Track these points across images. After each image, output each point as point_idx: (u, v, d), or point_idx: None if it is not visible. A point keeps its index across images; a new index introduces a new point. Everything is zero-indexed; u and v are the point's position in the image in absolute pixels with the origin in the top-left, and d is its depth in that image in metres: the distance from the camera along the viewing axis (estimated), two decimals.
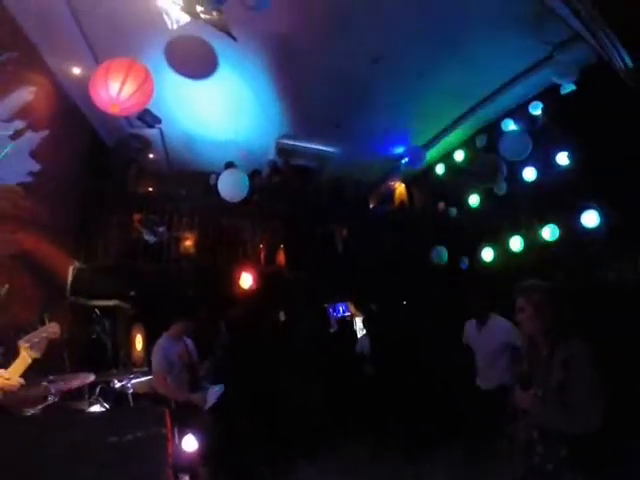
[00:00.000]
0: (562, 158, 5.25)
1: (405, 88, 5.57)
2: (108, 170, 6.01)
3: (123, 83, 3.45)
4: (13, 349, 2.15)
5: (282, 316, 6.04)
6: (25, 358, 1.90)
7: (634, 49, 2.64)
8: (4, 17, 3.58)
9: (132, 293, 5.56)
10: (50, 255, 4.70)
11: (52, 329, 2.10)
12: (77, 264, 5.24)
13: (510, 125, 5.97)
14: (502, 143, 5.10)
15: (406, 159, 7.47)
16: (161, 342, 3.66)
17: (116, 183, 6.05)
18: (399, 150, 7.53)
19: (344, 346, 5.81)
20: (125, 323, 5.83)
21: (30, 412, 2.77)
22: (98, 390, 3.75)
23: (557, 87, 5.18)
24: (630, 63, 2.72)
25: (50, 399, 2.99)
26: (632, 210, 4.19)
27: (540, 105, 5.66)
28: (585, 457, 1.82)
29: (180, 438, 3.09)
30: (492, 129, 6.38)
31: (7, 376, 1.82)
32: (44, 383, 3.02)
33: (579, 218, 4.82)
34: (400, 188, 9.36)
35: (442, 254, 6.75)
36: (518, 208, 5.94)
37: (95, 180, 5.69)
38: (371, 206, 9.54)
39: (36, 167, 4.13)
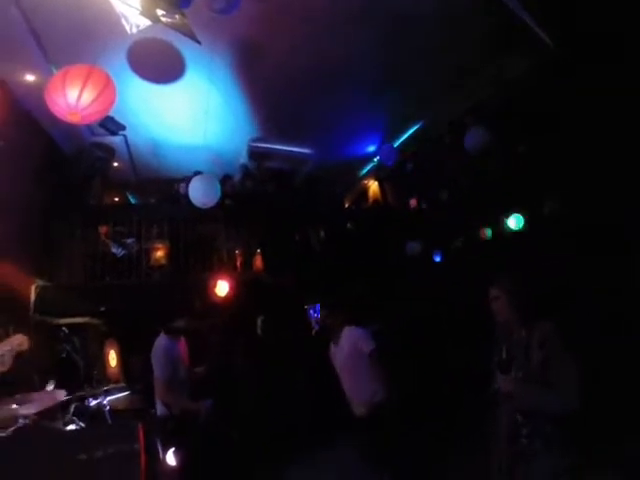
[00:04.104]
0: (522, 149, 5.35)
1: (375, 87, 5.54)
2: (70, 181, 5.70)
3: (82, 90, 3.25)
4: None
5: (260, 322, 5.92)
6: None
7: None
8: None
9: (102, 309, 5.32)
10: (9, 274, 4.42)
11: (18, 341, 1.89)
12: (40, 282, 4.96)
13: (472, 120, 6.04)
14: (466, 139, 5.21)
15: (378, 157, 7.51)
16: (162, 343, 3.37)
17: (79, 195, 5.76)
18: (371, 149, 7.53)
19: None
20: (97, 340, 5.57)
21: (1, 434, 2.58)
22: (72, 409, 3.51)
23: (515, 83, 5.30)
24: None
25: (21, 421, 2.80)
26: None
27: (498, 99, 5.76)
28: (571, 433, 1.90)
29: (164, 452, 2.95)
30: (457, 126, 6.46)
31: None
32: (14, 405, 2.85)
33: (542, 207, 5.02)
34: (374, 186, 9.40)
35: (415, 248, 6.87)
36: (484, 200, 6.09)
37: (56, 193, 5.40)
38: (346, 205, 9.55)
39: None
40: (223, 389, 4.07)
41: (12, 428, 2.67)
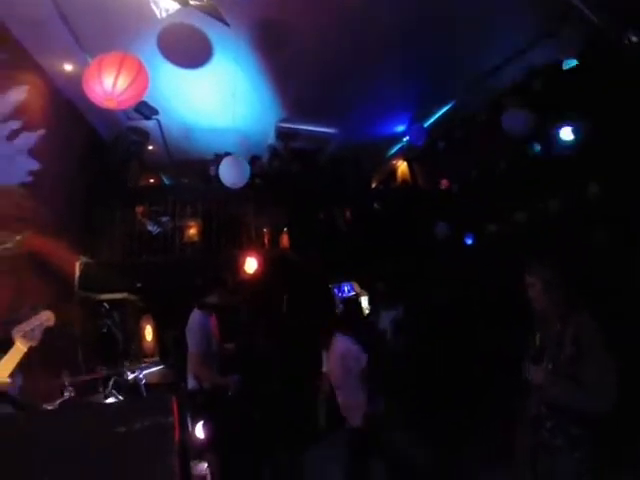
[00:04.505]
0: (566, 133, 5.12)
1: (403, 66, 5.45)
2: (109, 165, 6.02)
3: (117, 77, 3.40)
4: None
5: (286, 299, 6.11)
6: (19, 348, 1.88)
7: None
8: None
9: (139, 285, 5.63)
10: (56, 253, 4.77)
11: (45, 316, 2.04)
12: (83, 259, 5.32)
13: (512, 101, 5.84)
14: (505, 120, 5.04)
15: (407, 137, 7.39)
16: (196, 317, 3.49)
17: (117, 177, 6.07)
18: (400, 128, 7.43)
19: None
20: (134, 315, 5.90)
21: (48, 407, 2.79)
22: (112, 383, 3.69)
23: (559, 62, 5.09)
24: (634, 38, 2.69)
25: (67, 394, 3.05)
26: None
27: (541, 80, 5.54)
28: (595, 435, 1.82)
29: (193, 425, 3.00)
30: (494, 106, 6.24)
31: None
32: (62, 379, 3.08)
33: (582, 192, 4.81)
34: (402, 166, 9.29)
35: (445, 230, 6.78)
36: (521, 183, 5.90)
37: (96, 176, 5.72)
38: (373, 185, 9.51)
39: (36, 166, 4.16)
40: (248, 367, 4.12)
41: (58, 401, 2.93)
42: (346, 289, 7.98)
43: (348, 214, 7.37)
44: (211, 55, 4.79)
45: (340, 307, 6.96)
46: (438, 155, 7.77)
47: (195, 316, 3.50)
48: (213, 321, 3.63)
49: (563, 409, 1.85)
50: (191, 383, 3.47)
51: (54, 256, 4.73)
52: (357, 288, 7.95)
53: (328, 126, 6.95)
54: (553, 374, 1.89)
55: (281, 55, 5.06)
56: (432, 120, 7.19)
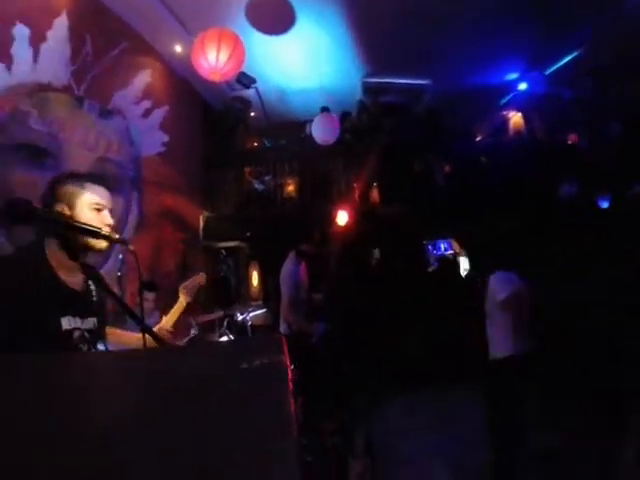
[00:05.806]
0: None
1: (517, 8, 4.95)
2: (220, 132, 6.94)
3: (218, 51, 3.90)
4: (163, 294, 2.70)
5: (377, 253, 6.35)
6: (182, 302, 2.08)
7: None
8: (108, 14, 4.30)
9: (248, 234, 6.52)
10: (185, 209, 5.83)
11: (201, 278, 2.20)
12: (206, 213, 6.37)
13: None
14: None
15: (523, 85, 6.84)
16: (289, 265, 3.68)
17: (227, 142, 6.99)
18: (512, 77, 6.88)
19: (445, 283, 5.77)
20: (244, 261, 6.81)
21: (179, 343, 3.12)
22: (226, 323, 4.10)
23: None
24: None
25: (193, 332, 3.55)
26: None
27: None
28: None
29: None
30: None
31: (167, 318, 2.03)
32: (189, 319, 3.51)
33: None
34: (516, 118, 8.44)
35: (572, 191, 6.15)
36: None
37: (211, 142, 6.68)
38: (478, 138, 8.94)
39: (166, 138, 5.11)
40: (336, 317, 4.23)
41: (186, 338, 3.39)
42: (442, 247, 7.61)
43: (447, 168, 7.16)
44: (295, 19, 5.11)
45: (434, 265, 6.97)
46: (563, 106, 6.98)
47: (287, 264, 3.81)
48: (303, 269, 3.91)
49: None
50: (283, 327, 3.74)
51: (184, 212, 5.81)
52: (456, 247, 7.46)
53: (419, 78, 6.78)
54: None
55: (365, 8, 5.05)
56: (555, 67, 6.49)
